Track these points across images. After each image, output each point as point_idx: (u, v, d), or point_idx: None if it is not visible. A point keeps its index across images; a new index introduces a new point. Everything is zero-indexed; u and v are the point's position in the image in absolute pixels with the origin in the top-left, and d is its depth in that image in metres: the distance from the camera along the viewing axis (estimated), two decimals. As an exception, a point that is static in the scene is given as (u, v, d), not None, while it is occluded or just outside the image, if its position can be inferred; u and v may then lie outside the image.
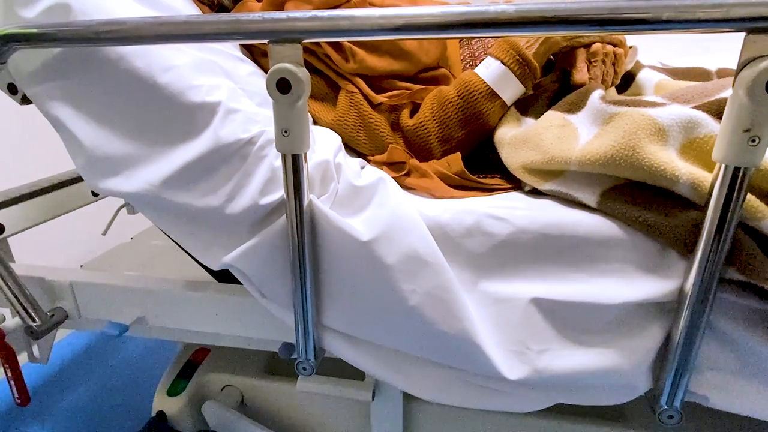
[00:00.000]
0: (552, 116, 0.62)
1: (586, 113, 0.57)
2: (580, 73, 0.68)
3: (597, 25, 0.42)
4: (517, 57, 0.65)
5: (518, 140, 0.62)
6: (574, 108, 0.59)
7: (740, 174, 0.41)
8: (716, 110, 0.49)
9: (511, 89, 0.67)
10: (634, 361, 0.52)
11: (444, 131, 0.69)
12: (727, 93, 0.51)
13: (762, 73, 0.37)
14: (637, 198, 0.50)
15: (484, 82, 0.67)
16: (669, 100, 0.54)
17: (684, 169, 0.47)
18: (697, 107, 0.50)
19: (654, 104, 0.51)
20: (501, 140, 0.67)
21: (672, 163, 0.47)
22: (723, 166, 0.42)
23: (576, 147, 0.54)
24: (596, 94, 0.57)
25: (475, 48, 0.81)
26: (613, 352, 0.53)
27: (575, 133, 0.56)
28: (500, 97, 0.67)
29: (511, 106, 0.70)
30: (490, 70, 0.67)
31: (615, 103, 0.53)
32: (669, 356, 0.50)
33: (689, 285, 0.47)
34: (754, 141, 0.39)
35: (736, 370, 0.52)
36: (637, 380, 0.53)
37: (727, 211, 0.43)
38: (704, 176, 0.46)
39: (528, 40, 0.66)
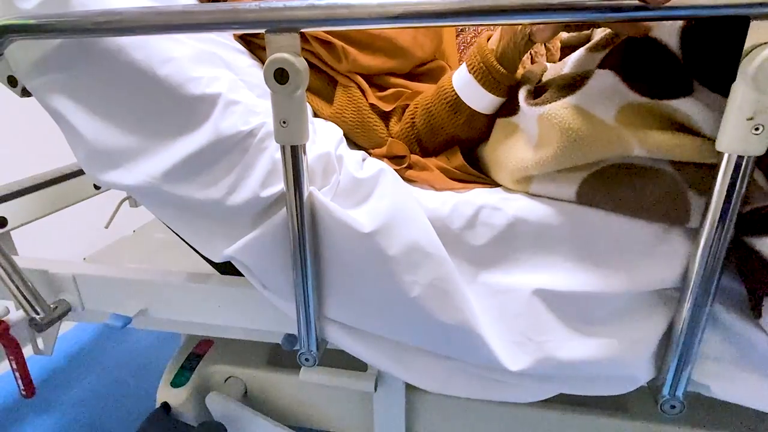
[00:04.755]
0: (498, 125, 0.62)
1: (522, 113, 0.56)
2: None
3: (600, 12, 0.41)
4: (481, 64, 0.59)
5: (486, 160, 0.64)
6: (513, 110, 0.58)
7: (743, 162, 0.41)
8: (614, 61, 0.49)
9: (482, 98, 0.61)
10: (636, 351, 0.52)
11: (424, 140, 0.67)
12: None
13: (766, 60, 0.37)
14: (612, 184, 0.50)
15: (453, 90, 0.63)
16: (589, 52, 0.54)
17: (633, 137, 0.47)
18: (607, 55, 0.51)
19: (573, 83, 0.51)
20: (479, 159, 0.67)
21: (617, 130, 0.47)
22: (726, 155, 0.42)
23: (528, 152, 0.54)
24: (521, 95, 0.56)
25: (468, 35, 0.79)
26: (615, 342, 0.53)
27: (522, 137, 0.56)
28: (468, 107, 0.62)
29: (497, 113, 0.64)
30: (460, 76, 0.62)
31: (537, 103, 0.53)
32: (672, 346, 0.50)
33: (692, 274, 0.47)
34: (757, 129, 0.39)
35: (737, 360, 0.51)
36: (639, 370, 0.53)
37: (731, 200, 0.42)
38: (653, 137, 0.46)
39: (498, 38, 0.58)
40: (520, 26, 0.54)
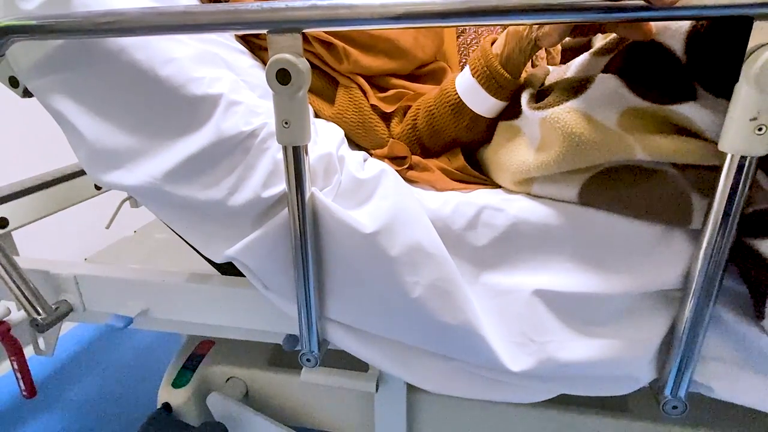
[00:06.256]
0: (500, 128, 0.62)
1: (524, 117, 0.56)
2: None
3: (603, 12, 0.41)
4: (485, 68, 0.58)
5: (488, 162, 0.63)
6: (515, 114, 0.58)
7: (746, 163, 0.41)
8: (617, 66, 0.49)
9: (484, 102, 0.60)
10: (638, 352, 0.52)
11: (426, 142, 0.67)
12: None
13: (770, 60, 0.37)
14: (614, 186, 0.50)
15: (455, 93, 0.62)
16: (594, 57, 0.53)
17: (635, 141, 0.47)
18: (612, 59, 0.50)
19: (576, 87, 0.51)
20: (480, 162, 0.67)
21: (619, 135, 0.47)
22: (729, 155, 0.41)
23: (530, 154, 0.54)
24: (524, 99, 0.56)
25: (469, 37, 0.79)
26: (616, 342, 0.52)
27: (524, 140, 0.56)
28: (471, 110, 0.62)
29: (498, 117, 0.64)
30: (463, 80, 0.62)
31: (539, 106, 0.52)
32: (674, 347, 0.50)
33: (694, 275, 0.47)
34: (760, 130, 0.39)
35: (739, 361, 0.51)
36: (640, 371, 0.53)
37: (734, 201, 0.42)
38: (656, 142, 0.46)
39: (504, 43, 0.57)
40: (527, 31, 0.54)
